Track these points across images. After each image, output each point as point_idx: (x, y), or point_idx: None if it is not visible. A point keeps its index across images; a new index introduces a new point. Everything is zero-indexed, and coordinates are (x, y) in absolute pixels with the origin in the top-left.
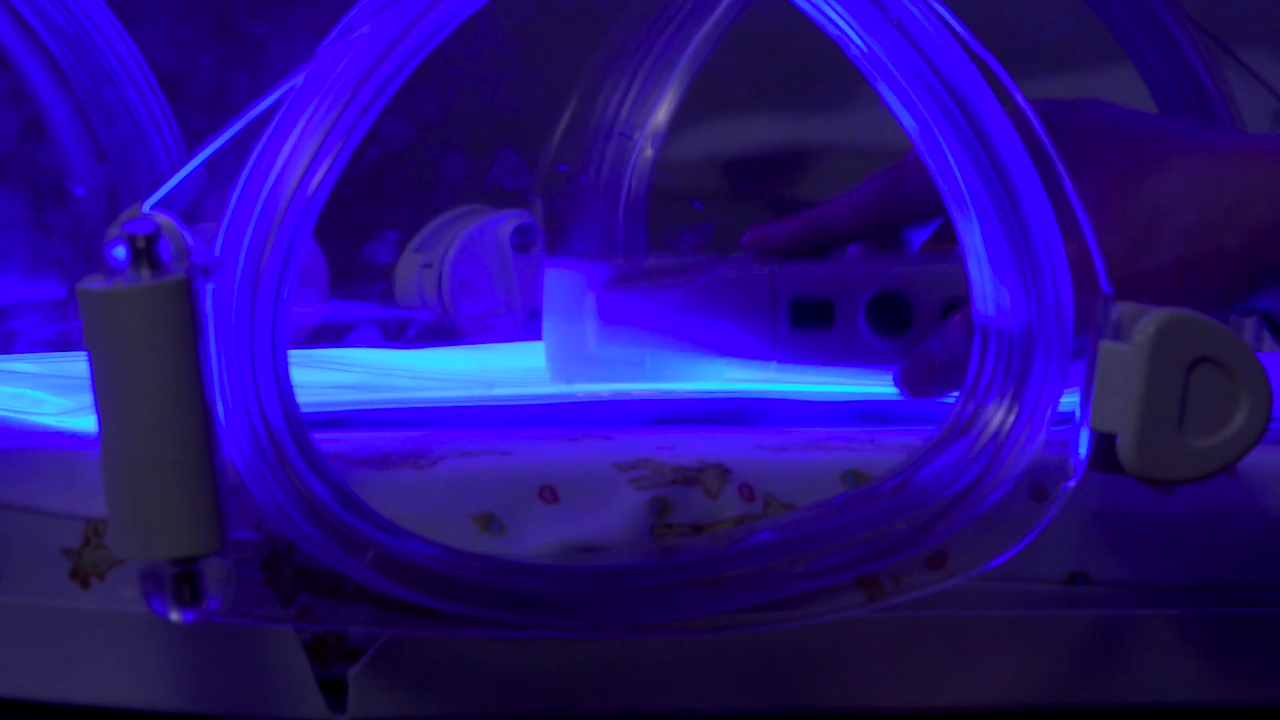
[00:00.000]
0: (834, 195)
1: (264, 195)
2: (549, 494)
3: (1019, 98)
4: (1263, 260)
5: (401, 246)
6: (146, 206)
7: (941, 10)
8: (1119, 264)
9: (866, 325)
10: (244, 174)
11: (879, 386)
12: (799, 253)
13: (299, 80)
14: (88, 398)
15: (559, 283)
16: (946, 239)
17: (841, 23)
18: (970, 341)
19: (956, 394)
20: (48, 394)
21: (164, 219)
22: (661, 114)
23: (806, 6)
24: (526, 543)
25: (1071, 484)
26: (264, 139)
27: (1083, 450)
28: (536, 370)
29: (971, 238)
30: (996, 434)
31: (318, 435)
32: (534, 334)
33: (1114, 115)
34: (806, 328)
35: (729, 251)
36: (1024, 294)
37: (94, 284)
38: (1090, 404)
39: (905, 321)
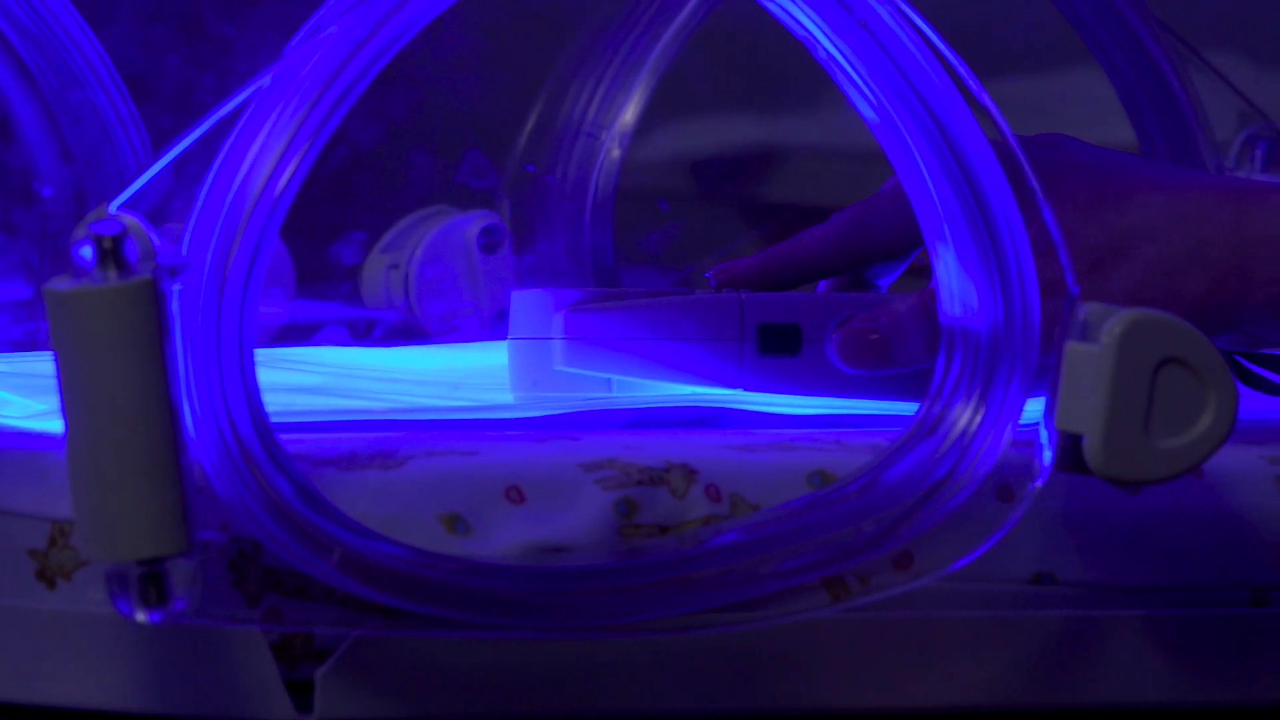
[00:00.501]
0: (801, 231)
1: (231, 196)
2: (515, 494)
3: (986, 100)
4: (1220, 303)
5: (368, 247)
6: (113, 207)
7: (909, 11)
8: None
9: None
10: (211, 174)
11: (851, 402)
12: (765, 288)
13: (266, 80)
14: (55, 399)
15: (526, 305)
16: (919, 273)
17: (809, 23)
18: (917, 321)
19: (888, 370)
20: (14, 394)
21: (131, 220)
22: (629, 114)
23: (773, 7)
24: (493, 543)
25: (1038, 484)
26: (231, 139)
27: (1049, 451)
28: (503, 369)
29: (939, 239)
30: (963, 435)
31: (284, 436)
32: (500, 334)
33: (1083, 152)
34: (774, 352)
35: (696, 251)
36: (990, 295)
37: (61, 285)
38: (1057, 405)
39: None
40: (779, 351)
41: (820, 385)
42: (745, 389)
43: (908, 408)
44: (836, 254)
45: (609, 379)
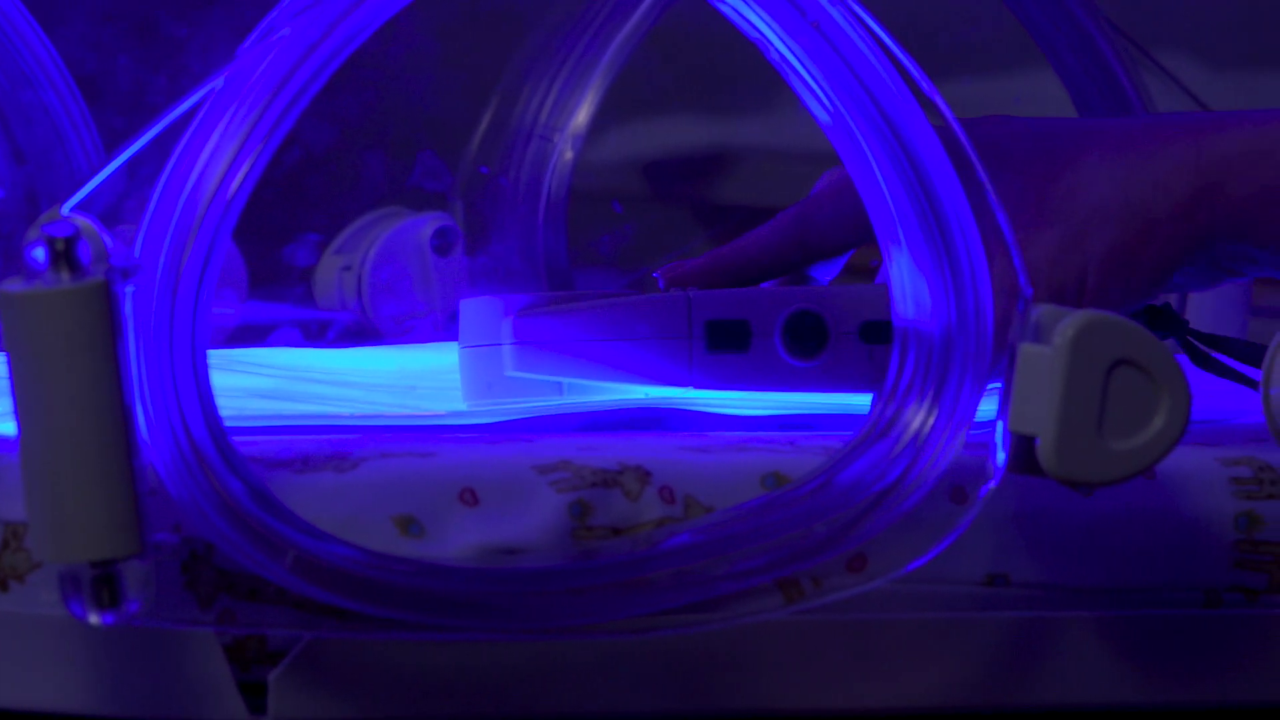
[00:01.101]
0: (746, 233)
1: (184, 197)
2: (469, 496)
3: (939, 101)
4: (1191, 234)
5: (322, 248)
6: (66, 209)
7: (861, 12)
8: (1054, 264)
9: (783, 346)
10: (163, 176)
11: (803, 400)
12: (710, 288)
13: (219, 82)
14: (8, 401)
15: (476, 311)
16: (857, 271)
17: (761, 25)
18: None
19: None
20: None
21: (83, 221)
22: (581, 116)
23: (725, 9)
24: (447, 545)
25: (991, 486)
26: (184, 141)
27: (1002, 452)
28: (457, 371)
29: (891, 240)
30: (916, 436)
31: (238, 438)
32: (453, 335)
33: (1031, 124)
34: (723, 349)
35: (650, 252)
36: (944, 296)
37: (13, 286)
38: (1010, 406)
39: (821, 342)
40: (727, 348)
41: (769, 380)
42: (695, 387)
43: (861, 400)
44: (781, 254)
45: (560, 383)
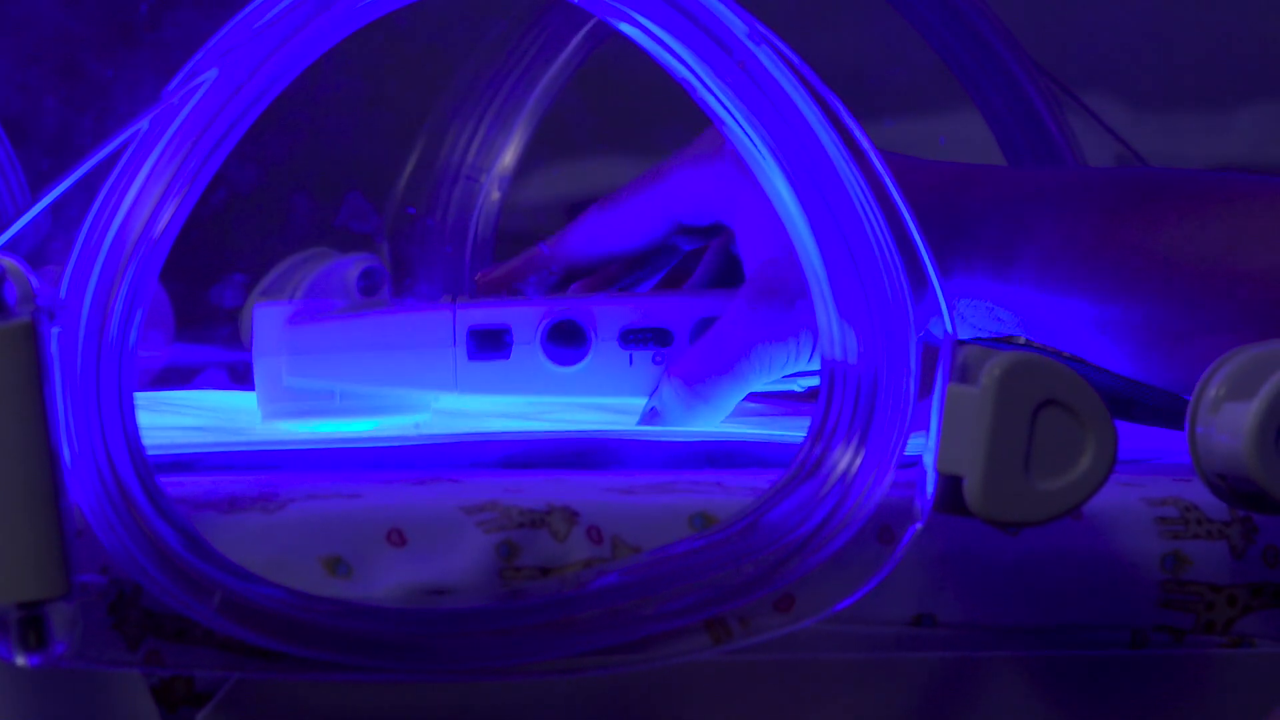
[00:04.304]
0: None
1: (110, 238)
2: (396, 537)
3: (864, 141)
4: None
5: (248, 289)
6: None
7: (788, 53)
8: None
9: (546, 353)
10: (89, 217)
11: (727, 429)
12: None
13: (144, 124)
14: None
15: (265, 320)
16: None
17: (687, 66)
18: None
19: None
20: None
21: (9, 262)
22: (508, 157)
23: (652, 49)
24: (374, 586)
25: (918, 526)
26: (109, 182)
27: (929, 492)
28: None
29: (817, 281)
30: (844, 476)
31: (164, 478)
32: None
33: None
34: (485, 356)
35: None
36: (871, 339)
37: None
38: (937, 446)
39: (582, 348)
40: (489, 354)
41: (532, 386)
42: (461, 393)
43: (795, 434)
44: (582, 250)
45: (333, 391)
